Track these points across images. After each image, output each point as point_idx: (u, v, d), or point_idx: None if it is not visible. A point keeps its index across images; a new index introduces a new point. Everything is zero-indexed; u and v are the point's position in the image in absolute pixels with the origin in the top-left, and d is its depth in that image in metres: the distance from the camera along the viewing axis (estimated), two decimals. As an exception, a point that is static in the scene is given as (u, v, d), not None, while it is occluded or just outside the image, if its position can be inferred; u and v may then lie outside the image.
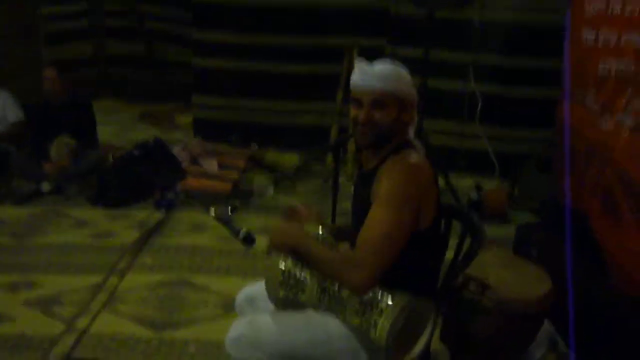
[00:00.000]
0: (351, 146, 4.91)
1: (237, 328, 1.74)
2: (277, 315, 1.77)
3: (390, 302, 1.59)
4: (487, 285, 1.88)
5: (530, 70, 4.57)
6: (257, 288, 2.00)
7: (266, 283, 1.81)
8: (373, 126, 1.73)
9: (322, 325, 1.71)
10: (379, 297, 1.60)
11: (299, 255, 1.73)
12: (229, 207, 2.09)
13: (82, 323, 2.64)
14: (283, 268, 1.76)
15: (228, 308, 2.85)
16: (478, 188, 4.15)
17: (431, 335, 1.64)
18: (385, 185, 1.64)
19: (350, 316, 1.65)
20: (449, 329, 1.81)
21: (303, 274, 1.74)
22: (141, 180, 4.24)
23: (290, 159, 4.75)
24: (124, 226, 3.80)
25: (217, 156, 4.64)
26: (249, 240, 2.00)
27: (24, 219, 3.86)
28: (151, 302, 2.87)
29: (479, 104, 4.52)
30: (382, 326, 1.56)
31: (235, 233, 2.00)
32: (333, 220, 3.32)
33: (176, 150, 4.61)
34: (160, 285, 3.04)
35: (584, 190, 2.68)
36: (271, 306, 1.93)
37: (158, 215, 3.95)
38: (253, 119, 5.32)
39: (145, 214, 3.96)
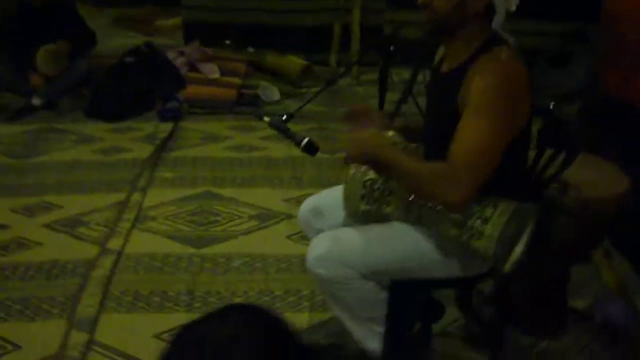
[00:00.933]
0: (355, 44, 4.66)
1: (320, 245, 1.62)
2: (364, 229, 1.65)
3: (495, 211, 1.48)
4: (569, 185, 1.80)
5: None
6: (322, 199, 1.87)
7: (345, 197, 1.67)
8: (430, 12, 1.53)
9: (413, 237, 1.59)
10: (482, 206, 1.49)
11: (381, 168, 1.59)
12: (284, 114, 1.92)
13: (115, 243, 2.50)
14: (366, 179, 1.62)
15: (263, 219, 2.74)
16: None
17: (530, 237, 1.56)
18: (479, 91, 1.45)
19: (447, 227, 1.53)
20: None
21: (388, 185, 1.61)
22: (139, 90, 3.96)
23: (293, 62, 4.49)
24: (130, 140, 3.57)
25: (215, 61, 4.34)
26: (311, 148, 1.84)
27: (20, 136, 3.59)
28: (182, 218, 2.73)
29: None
30: (490, 236, 1.46)
31: (297, 142, 1.84)
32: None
33: (171, 56, 4.29)
34: (187, 199, 2.89)
35: (634, 83, 2.57)
36: (340, 217, 1.81)
37: (165, 126, 3.72)
38: (247, 20, 4.95)
39: (151, 126, 3.73)
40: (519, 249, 1.53)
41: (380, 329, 1.68)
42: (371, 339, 1.69)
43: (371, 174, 1.62)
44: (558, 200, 1.77)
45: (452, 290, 2.10)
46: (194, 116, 3.91)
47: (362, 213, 1.66)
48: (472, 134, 1.44)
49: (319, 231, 1.81)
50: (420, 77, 3.71)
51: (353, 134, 1.61)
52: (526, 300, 2.01)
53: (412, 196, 1.56)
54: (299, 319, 2.10)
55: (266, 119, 1.88)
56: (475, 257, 1.57)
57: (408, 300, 1.75)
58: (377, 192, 1.62)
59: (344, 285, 1.60)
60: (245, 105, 4.10)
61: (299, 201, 2.93)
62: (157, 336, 1.99)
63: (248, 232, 2.64)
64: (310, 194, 2.97)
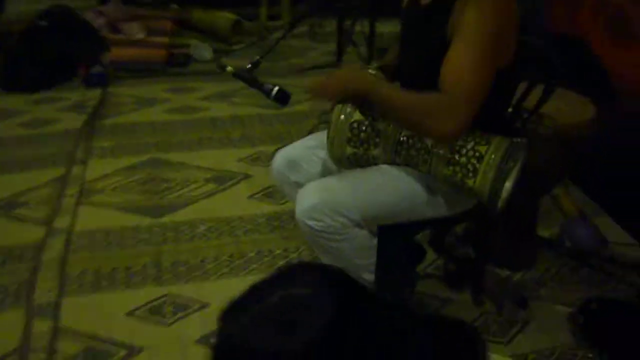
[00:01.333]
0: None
1: (310, 196, 1.52)
2: (352, 175, 1.57)
3: (489, 147, 1.45)
4: (543, 114, 1.81)
5: None
6: (295, 150, 1.76)
7: (330, 141, 1.56)
8: None
9: (404, 179, 1.54)
10: (474, 142, 1.45)
11: (368, 104, 1.51)
12: (249, 63, 1.77)
13: (62, 222, 2.28)
14: (352, 121, 1.53)
15: (220, 182, 2.60)
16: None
17: (519, 172, 1.55)
18: (470, 19, 1.39)
19: (439, 166, 1.49)
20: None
21: (376, 126, 1.53)
22: (58, 56, 3.61)
23: (223, 18, 4.25)
24: (57, 110, 3.27)
25: (139, 20, 4.04)
26: (283, 97, 1.73)
27: None
28: (133, 188, 2.54)
29: None
30: (485, 173, 1.43)
31: (266, 91, 1.72)
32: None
33: (89, 17, 3.94)
34: (133, 168, 2.69)
35: (580, 15, 2.60)
36: (318, 167, 1.73)
37: (93, 93, 3.43)
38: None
39: (77, 94, 3.43)
40: (509, 185, 1.51)
41: (370, 276, 1.63)
42: (362, 288, 1.64)
43: (357, 116, 1.53)
44: (533, 130, 1.77)
45: (426, 232, 2.10)
46: (122, 80, 3.63)
47: (348, 157, 1.57)
48: (465, 63, 1.38)
49: (297, 184, 1.72)
50: (358, 28, 3.65)
51: (339, 70, 1.51)
52: (501, 234, 2.03)
53: (403, 133, 1.50)
54: (278, 279, 2.02)
55: (229, 69, 1.73)
56: (465, 195, 1.55)
57: (396, 245, 1.72)
58: (363, 134, 1.53)
59: (337, 235, 1.52)
60: (177, 65, 3.86)
61: (253, 159, 2.83)
62: (130, 314, 1.85)
63: (207, 196, 2.50)
64: (263, 152, 2.90)
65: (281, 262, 2.09)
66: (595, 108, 1.90)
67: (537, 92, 1.77)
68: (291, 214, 2.37)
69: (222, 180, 2.61)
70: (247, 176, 2.64)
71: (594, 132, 1.88)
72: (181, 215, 2.36)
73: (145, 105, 3.34)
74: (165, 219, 2.33)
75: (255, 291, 0.65)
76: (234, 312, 0.63)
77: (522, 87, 1.73)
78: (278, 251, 2.15)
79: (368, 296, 0.65)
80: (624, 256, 2.18)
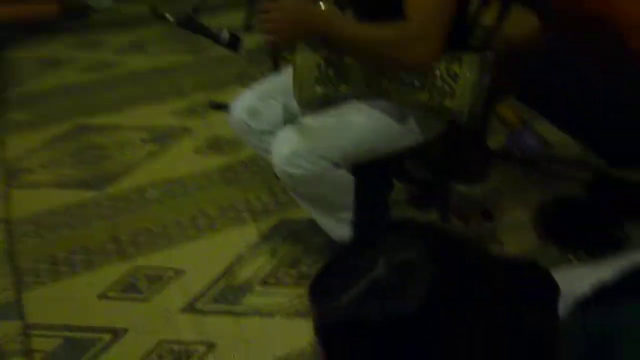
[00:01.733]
0: None
1: (285, 145, 1.44)
2: (325, 115, 1.50)
3: (462, 65, 1.42)
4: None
5: None
6: (253, 97, 1.67)
7: (297, 85, 1.48)
8: None
9: (377, 113, 1.49)
10: (446, 62, 1.42)
11: (327, 44, 1.42)
12: (191, 9, 1.61)
13: (-4, 211, 2.07)
14: (318, 60, 1.44)
15: (160, 140, 2.44)
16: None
17: (487, 88, 1.55)
18: None
19: (414, 94, 1.46)
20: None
21: (343, 62, 1.46)
22: None
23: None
24: (-50, 87, 2.90)
25: (19, -28, 3.58)
26: (236, 42, 1.60)
27: None
28: (65, 161, 2.33)
29: None
30: (462, 92, 1.42)
31: (216, 38, 1.57)
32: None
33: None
34: (59, 140, 2.46)
35: None
36: (279, 111, 1.65)
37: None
38: None
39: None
40: (483, 100, 1.51)
41: (349, 214, 1.62)
42: (341, 227, 1.63)
43: (322, 54, 1.45)
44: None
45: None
46: (16, 44, 3.26)
47: (318, 98, 1.50)
48: None
49: (261, 132, 1.65)
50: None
51: (269, 7, 1.36)
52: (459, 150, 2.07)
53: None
54: (248, 232, 1.95)
55: (169, 16, 1.57)
56: (441, 117, 1.54)
57: (373, 179, 1.71)
58: (332, 71, 1.46)
59: (318, 179, 1.48)
60: (74, 18, 3.51)
61: (189, 111, 2.67)
62: (102, 296, 1.74)
63: (149, 157, 2.34)
64: (197, 102, 2.74)
65: (246, 214, 2.03)
66: (536, 18, 1.93)
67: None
68: (244, 163, 2.32)
69: (161, 138, 2.45)
70: (186, 130, 2.50)
71: (540, 44, 1.92)
72: (127, 182, 2.20)
73: (52, 68, 3.03)
74: (111, 190, 2.17)
75: (345, 262, 0.61)
76: (329, 289, 0.59)
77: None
78: (240, 204, 2.08)
79: (458, 244, 0.63)
80: (568, 156, 2.31)
